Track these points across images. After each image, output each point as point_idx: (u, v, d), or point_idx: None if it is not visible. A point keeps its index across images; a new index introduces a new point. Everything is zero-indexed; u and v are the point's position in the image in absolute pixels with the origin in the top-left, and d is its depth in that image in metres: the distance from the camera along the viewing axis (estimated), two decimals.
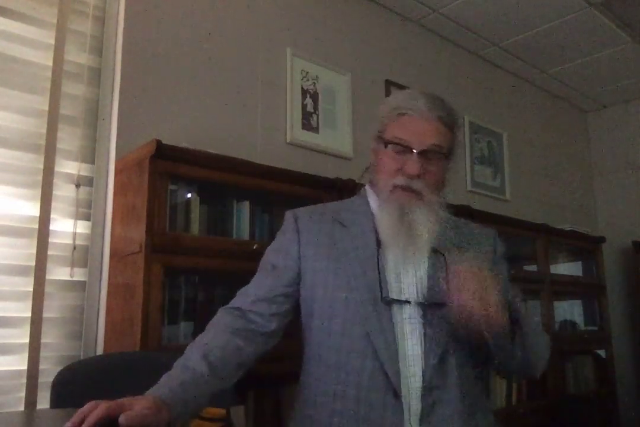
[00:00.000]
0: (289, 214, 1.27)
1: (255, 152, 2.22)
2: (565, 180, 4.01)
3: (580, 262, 3.66)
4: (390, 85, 2.86)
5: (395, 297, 1.12)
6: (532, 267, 3.06)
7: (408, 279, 1.16)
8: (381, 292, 1.11)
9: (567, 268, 3.59)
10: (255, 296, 1.17)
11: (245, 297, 1.18)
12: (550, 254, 3.09)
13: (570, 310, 3.57)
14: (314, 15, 2.63)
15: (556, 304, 3.09)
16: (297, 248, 1.20)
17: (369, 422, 1.07)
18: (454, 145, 1.22)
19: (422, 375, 1.08)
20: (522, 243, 3.04)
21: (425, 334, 1.11)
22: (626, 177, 4.07)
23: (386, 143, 1.19)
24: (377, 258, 1.15)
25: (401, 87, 2.92)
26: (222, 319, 1.14)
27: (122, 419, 0.79)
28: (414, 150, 1.15)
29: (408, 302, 1.13)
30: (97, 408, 0.80)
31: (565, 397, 2.94)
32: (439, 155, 1.17)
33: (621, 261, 3.93)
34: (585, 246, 3.51)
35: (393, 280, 1.15)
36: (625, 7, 2.93)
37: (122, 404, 0.82)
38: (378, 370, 1.08)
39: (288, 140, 2.37)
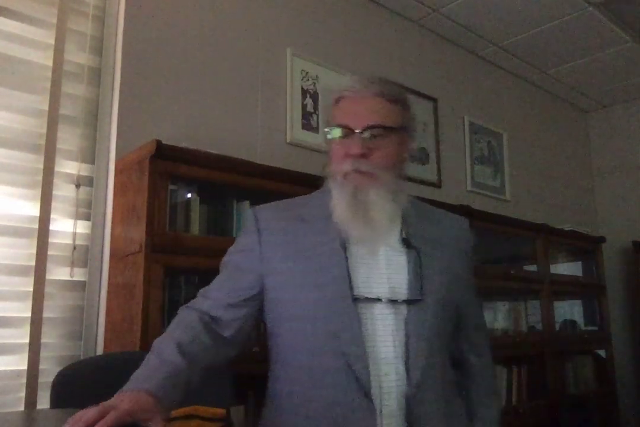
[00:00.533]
0: (249, 213, 1.22)
1: (255, 152, 2.22)
2: (565, 180, 4.01)
3: (580, 262, 3.66)
4: None
5: (363, 294, 1.07)
6: (532, 267, 3.06)
7: (379, 274, 1.10)
8: (350, 289, 1.06)
9: (567, 268, 3.59)
10: (216, 299, 1.12)
11: (205, 299, 1.13)
12: (550, 254, 3.09)
13: (570, 310, 3.57)
14: (314, 15, 2.63)
15: (556, 304, 3.09)
16: (259, 249, 1.15)
17: (343, 425, 1.02)
18: (405, 119, 1.16)
19: (405, 374, 1.04)
20: (522, 243, 3.04)
21: (407, 332, 1.07)
22: (626, 177, 4.07)
23: (330, 130, 1.15)
24: (344, 253, 1.10)
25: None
26: (187, 318, 1.09)
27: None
28: (355, 131, 1.10)
29: (379, 299, 1.07)
30: (105, 418, 0.78)
31: (565, 397, 2.93)
32: (384, 132, 1.11)
33: (621, 261, 3.93)
34: (585, 246, 3.51)
35: (361, 275, 1.09)
36: (626, 7, 2.93)
37: (132, 412, 0.82)
38: (348, 369, 1.03)
39: (288, 140, 2.37)
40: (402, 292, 1.09)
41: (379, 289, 1.09)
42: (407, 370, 1.05)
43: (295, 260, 1.12)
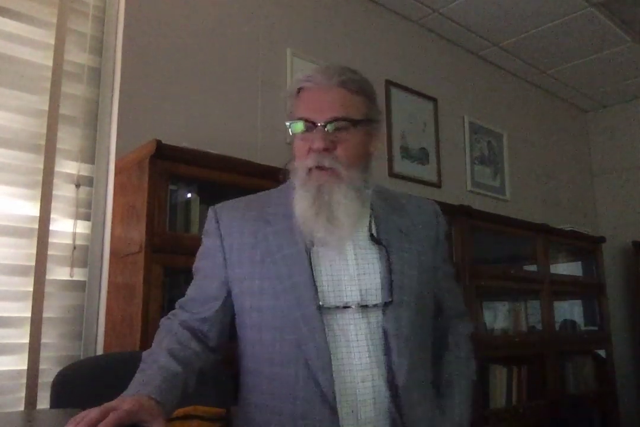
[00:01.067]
0: (210, 214, 1.16)
1: (255, 152, 2.22)
2: (565, 180, 4.01)
3: (580, 262, 3.66)
4: (390, 85, 2.86)
5: (331, 303, 1.02)
6: (532, 267, 3.06)
7: (348, 277, 1.05)
8: (316, 296, 1.01)
9: (567, 268, 3.59)
10: (192, 312, 1.10)
11: (183, 311, 1.11)
12: (550, 254, 3.09)
13: (570, 310, 3.57)
14: (314, 15, 2.63)
15: (556, 304, 3.09)
16: (222, 255, 1.10)
17: None
18: (370, 110, 1.10)
19: (387, 377, 1.00)
20: (522, 243, 3.04)
21: (385, 333, 1.02)
22: (626, 177, 4.07)
23: (292, 124, 1.09)
24: (308, 257, 1.04)
25: (401, 87, 2.92)
26: (173, 328, 1.07)
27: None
28: (318, 124, 1.04)
29: (347, 307, 1.02)
30: (107, 419, 0.78)
31: (565, 397, 2.93)
32: (348, 124, 1.05)
33: (621, 261, 3.93)
34: (585, 246, 3.51)
35: (329, 281, 1.04)
36: (626, 7, 2.93)
37: (133, 413, 0.82)
38: (311, 380, 0.98)
39: (288, 141, 2.37)
40: (375, 294, 1.05)
41: (349, 293, 1.04)
42: (390, 372, 1.00)
43: (255, 265, 1.07)
